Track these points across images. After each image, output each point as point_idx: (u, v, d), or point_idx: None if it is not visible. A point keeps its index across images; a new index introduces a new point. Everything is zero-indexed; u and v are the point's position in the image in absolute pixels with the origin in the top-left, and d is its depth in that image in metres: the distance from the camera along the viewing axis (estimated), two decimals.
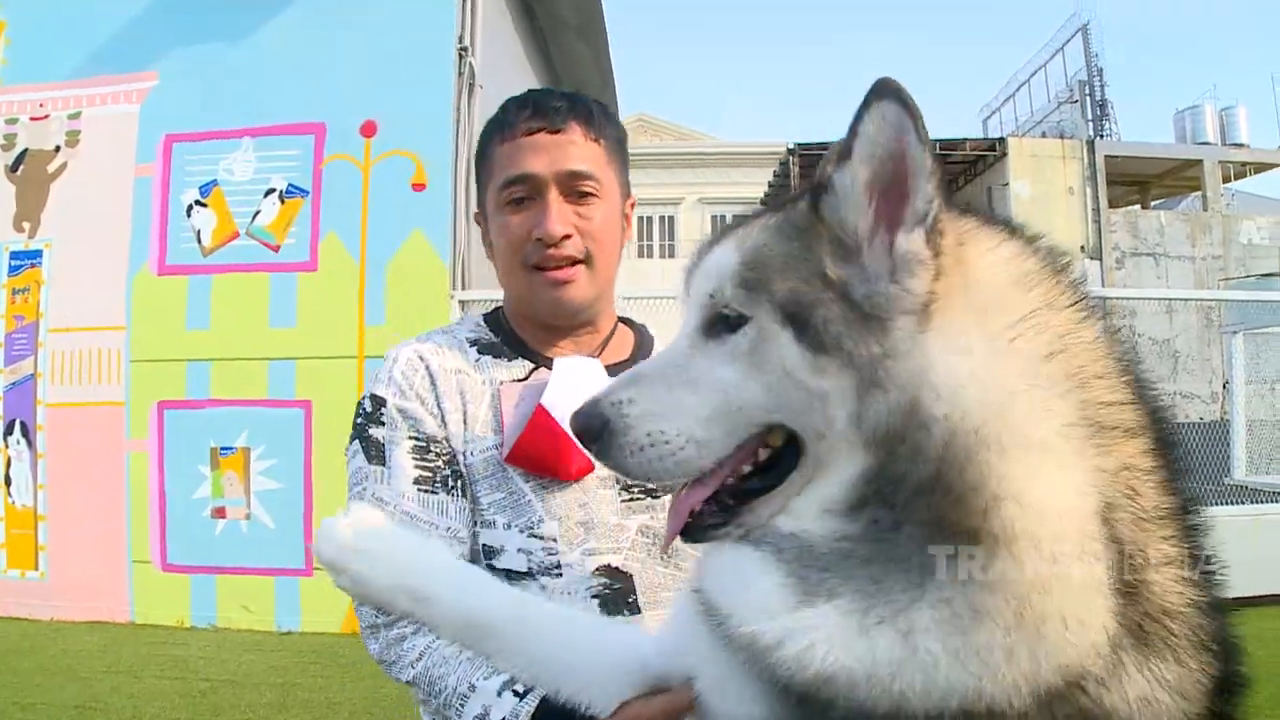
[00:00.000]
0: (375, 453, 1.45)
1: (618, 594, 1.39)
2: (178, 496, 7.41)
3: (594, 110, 1.40)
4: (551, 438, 1.37)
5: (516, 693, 1.27)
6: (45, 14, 8.02)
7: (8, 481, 7.73)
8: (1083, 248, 21.23)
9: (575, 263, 1.38)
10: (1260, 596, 7.11)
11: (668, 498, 1.35)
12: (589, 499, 1.41)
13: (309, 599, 7.14)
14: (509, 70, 9.65)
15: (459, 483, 1.42)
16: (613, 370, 1.45)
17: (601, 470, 1.39)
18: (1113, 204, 22.56)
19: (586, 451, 1.22)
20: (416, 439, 1.43)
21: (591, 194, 1.39)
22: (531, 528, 1.40)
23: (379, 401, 1.48)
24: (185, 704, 5.32)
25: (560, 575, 1.39)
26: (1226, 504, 7.91)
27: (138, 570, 7.44)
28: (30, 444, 7.69)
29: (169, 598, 7.36)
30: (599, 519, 1.41)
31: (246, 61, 7.65)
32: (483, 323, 1.54)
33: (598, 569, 1.39)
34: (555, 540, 1.39)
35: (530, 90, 1.43)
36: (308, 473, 7.24)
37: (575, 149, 1.36)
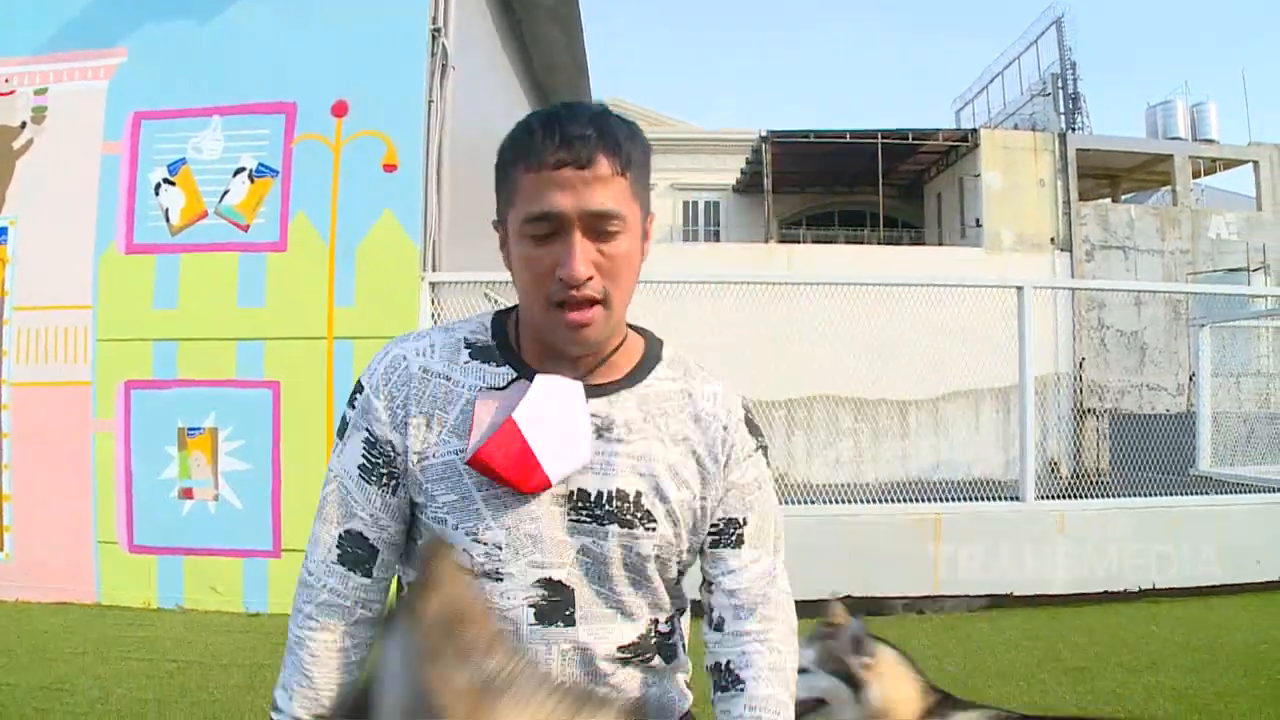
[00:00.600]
0: (343, 428, 1.54)
1: (555, 606, 1.43)
2: (145, 477, 7.35)
3: (621, 137, 1.38)
4: (516, 451, 1.39)
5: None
6: None
7: None
8: (1053, 239, 21.35)
9: (594, 303, 1.38)
10: (1225, 585, 7.25)
11: (614, 526, 1.42)
12: (541, 513, 1.43)
13: (277, 580, 7.12)
14: (482, 52, 9.62)
15: (392, 482, 1.49)
16: (609, 387, 1.48)
17: (558, 488, 1.43)
18: (1083, 197, 22.67)
19: (548, 472, 1.36)
20: (369, 433, 1.50)
21: (616, 231, 1.37)
22: (475, 533, 1.44)
23: (359, 387, 1.54)
24: (153, 685, 5.29)
25: (500, 581, 1.43)
26: (1192, 495, 8.03)
27: (104, 551, 7.39)
28: None
29: (136, 579, 7.31)
30: (547, 534, 1.43)
31: (217, 39, 7.59)
32: (488, 324, 1.54)
33: (539, 580, 1.43)
34: (500, 548, 1.43)
35: (559, 109, 1.40)
36: (276, 454, 7.20)
37: (600, 187, 1.34)
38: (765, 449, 1.57)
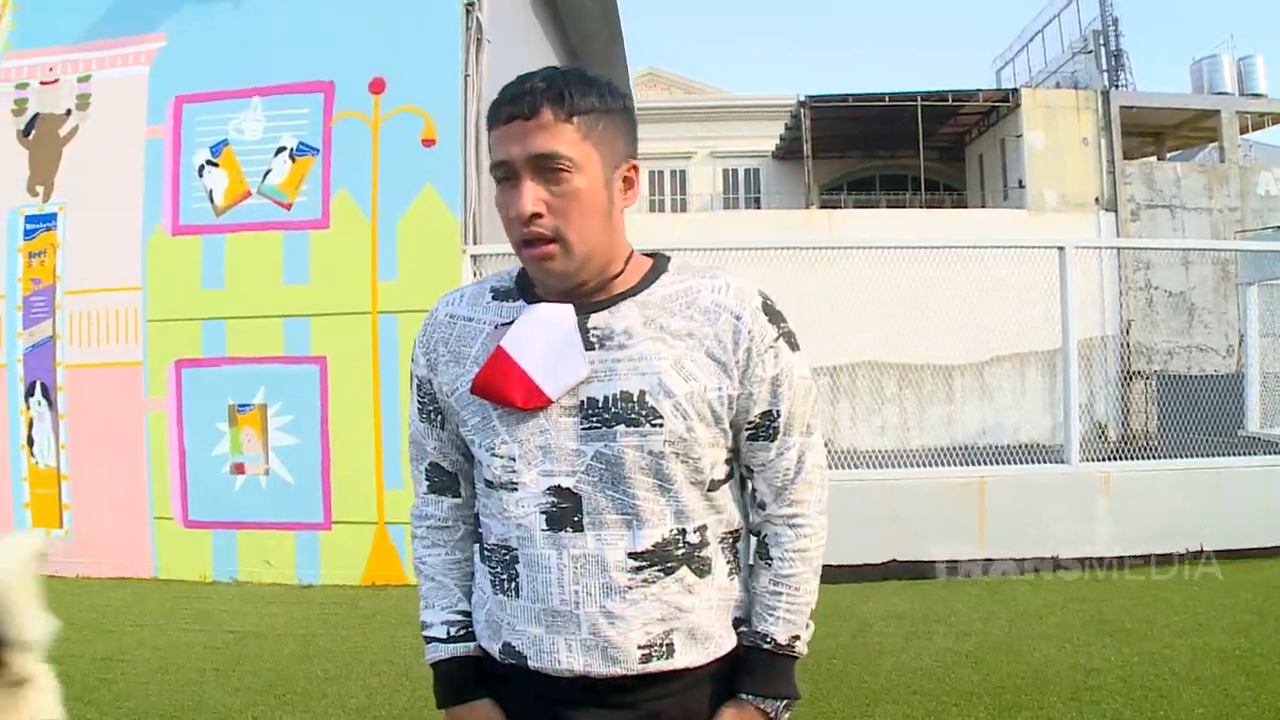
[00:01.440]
0: (410, 381, 1.74)
1: (564, 512, 1.52)
2: (197, 454, 7.51)
3: (569, 88, 1.48)
4: (503, 372, 1.52)
5: (442, 637, 1.70)
6: None
7: (30, 442, 7.83)
8: (1097, 199, 21.07)
9: (548, 240, 1.48)
10: (1273, 547, 7.18)
11: (620, 426, 1.49)
12: (550, 426, 1.53)
13: (329, 553, 7.25)
14: (516, 25, 9.63)
15: (439, 417, 1.68)
16: (609, 301, 1.56)
17: (566, 400, 1.52)
18: (1128, 155, 22.31)
19: (544, 389, 1.49)
20: (417, 379, 1.70)
21: (562, 170, 1.47)
22: (492, 448, 1.57)
23: (415, 343, 1.72)
24: (210, 655, 5.41)
25: (515, 490, 1.55)
26: (1240, 455, 7.92)
27: (160, 527, 7.55)
28: (51, 405, 7.78)
29: (191, 553, 7.47)
30: (557, 444, 1.53)
31: (254, 21, 7.67)
32: (513, 273, 1.69)
33: (549, 489, 1.53)
34: (514, 460, 1.54)
35: (518, 76, 1.53)
36: (324, 427, 7.32)
37: (542, 132, 1.46)
38: (789, 335, 1.60)
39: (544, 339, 1.51)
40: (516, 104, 1.47)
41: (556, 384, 1.51)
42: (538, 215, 1.46)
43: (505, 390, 1.52)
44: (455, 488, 1.73)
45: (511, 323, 1.58)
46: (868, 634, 5.52)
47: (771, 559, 1.63)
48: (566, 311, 1.53)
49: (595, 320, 1.53)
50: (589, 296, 1.55)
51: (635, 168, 1.59)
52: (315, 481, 7.31)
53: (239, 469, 7.45)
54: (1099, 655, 5.02)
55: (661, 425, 1.49)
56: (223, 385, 7.47)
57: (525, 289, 1.63)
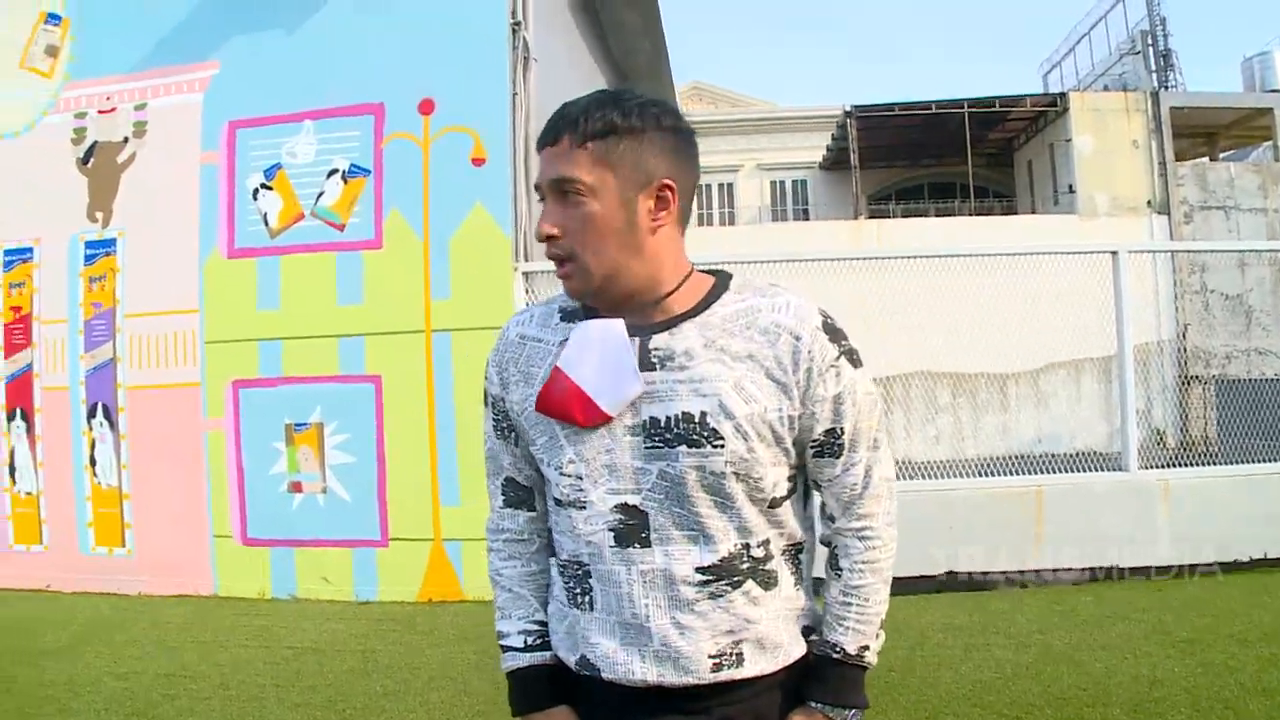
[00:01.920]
0: (484, 398, 1.79)
1: (632, 529, 1.56)
2: (255, 472, 7.61)
3: (586, 115, 1.54)
4: (561, 391, 1.57)
5: (519, 646, 1.73)
6: (109, 9, 8.25)
7: (93, 462, 7.99)
8: (1149, 202, 20.79)
9: (564, 260, 1.56)
10: None
11: (682, 447, 1.52)
12: (615, 444, 1.56)
13: (386, 569, 7.31)
14: (562, 43, 9.70)
15: (513, 434, 1.73)
16: (671, 322, 1.58)
17: (629, 419, 1.55)
18: (1179, 156, 21.98)
19: (600, 406, 1.53)
20: (491, 396, 1.75)
21: (576, 194, 1.53)
22: (560, 466, 1.61)
23: (488, 361, 1.78)
24: (270, 670, 5.48)
25: (584, 509, 1.59)
26: None
27: (219, 545, 7.67)
28: (113, 426, 7.94)
29: (250, 570, 7.57)
30: (622, 463, 1.56)
31: (304, 46, 7.79)
32: None
33: (616, 506, 1.57)
34: (581, 479, 1.59)
35: (565, 105, 1.60)
36: (380, 445, 7.39)
37: (560, 159, 1.53)
38: (850, 352, 1.61)
39: (596, 355, 1.55)
40: (546, 132, 1.56)
41: (612, 399, 1.54)
42: (553, 237, 1.54)
43: (565, 408, 1.56)
44: (531, 501, 1.77)
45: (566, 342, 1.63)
46: (926, 646, 5.47)
47: (841, 570, 1.66)
48: (617, 326, 1.57)
49: (656, 341, 1.55)
50: (647, 316, 1.58)
51: (669, 186, 1.58)
52: (372, 499, 7.38)
53: (296, 487, 7.54)
54: (1162, 666, 4.94)
55: (723, 446, 1.51)
56: (280, 405, 7.58)
57: (590, 309, 1.66)
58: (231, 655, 5.85)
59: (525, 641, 1.73)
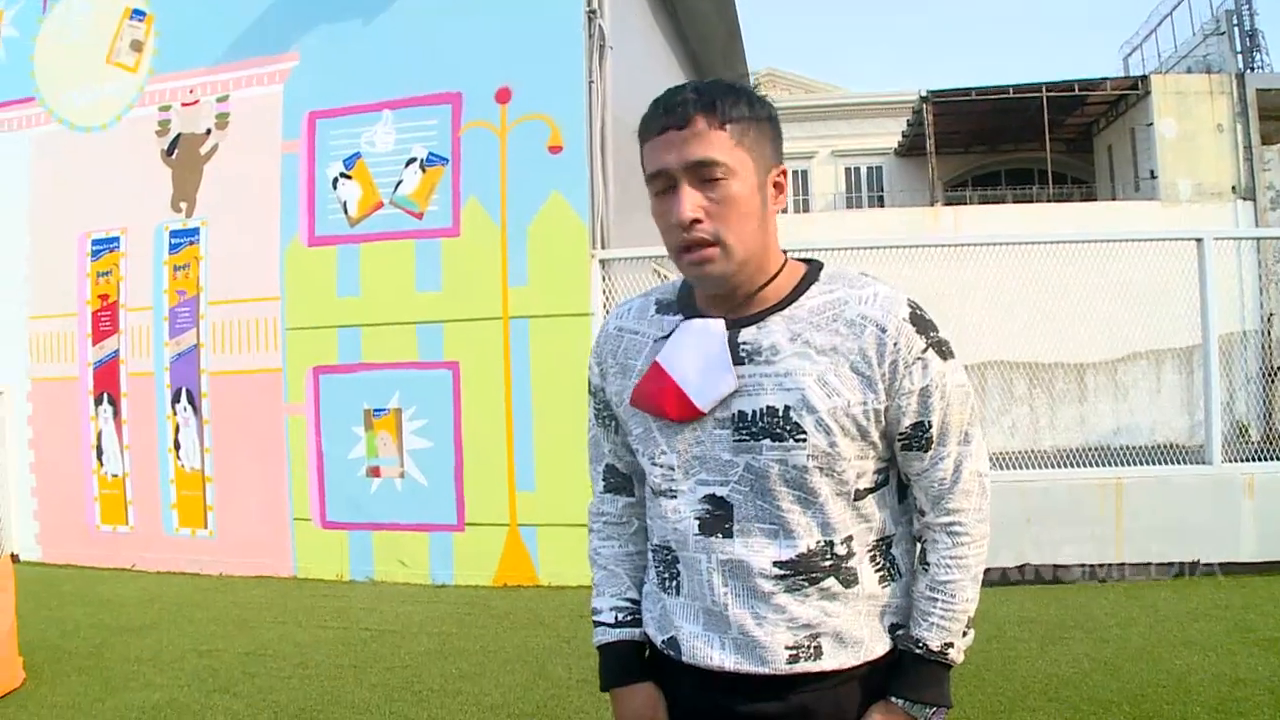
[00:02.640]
0: (588, 387, 1.85)
1: (716, 519, 1.59)
2: (335, 457, 7.75)
3: (719, 98, 1.52)
4: (658, 386, 1.61)
5: (610, 622, 1.79)
6: (191, 4, 8.42)
7: (177, 446, 8.18)
8: (1234, 188, 20.29)
9: (708, 244, 1.52)
10: None
11: (766, 440, 1.53)
12: (705, 437, 1.59)
13: (462, 553, 7.40)
14: (637, 30, 9.69)
15: (613, 423, 1.79)
16: (758, 316, 1.59)
17: (720, 412, 1.57)
18: (1266, 140, 21.38)
19: (695, 402, 1.55)
20: (592, 386, 1.82)
21: (718, 176, 1.51)
22: (653, 457, 1.66)
23: (590, 352, 1.84)
24: (348, 651, 5.57)
25: (675, 498, 1.63)
26: None
27: (299, 528, 7.82)
28: (196, 410, 8.12)
29: (329, 553, 7.72)
30: (711, 455, 1.59)
31: (382, 36, 7.88)
32: (678, 284, 1.75)
33: (704, 497, 1.60)
34: (673, 469, 1.63)
35: (668, 89, 1.59)
36: (458, 431, 7.47)
37: (697, 140, 1.50)
38: (939, 344, 1.59)
39: (696, 354, 1.57)
40: (670, 115, 1.52)
41: (706, 397, 1.56)
42: (697, 221, 1.50)
43: (660, 402, 1.60)
44: (629, 487, 1.83)
45: (669, 336, 1.64)
46: (1002, 639, 5.41)
47: (929, 565, 1.65)
48: (718, 326, 1.58)
49: (745, 335, 1.57)
50: (741, 308, 1.59)
51: (785, 172, 1.62)
52: (449, 484, 7.47)
53: (375, 472, 7.65)
54: (1245, 665, 4.83)
55: (805, 440, 1.52)
56: (359, 390, 7.69)
57: (685, 301, 1.68)
58: (310, 635, 5.97)
59: (616, 618, 1.78)
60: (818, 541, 1.56)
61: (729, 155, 1.51)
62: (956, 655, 1.64)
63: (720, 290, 1.58)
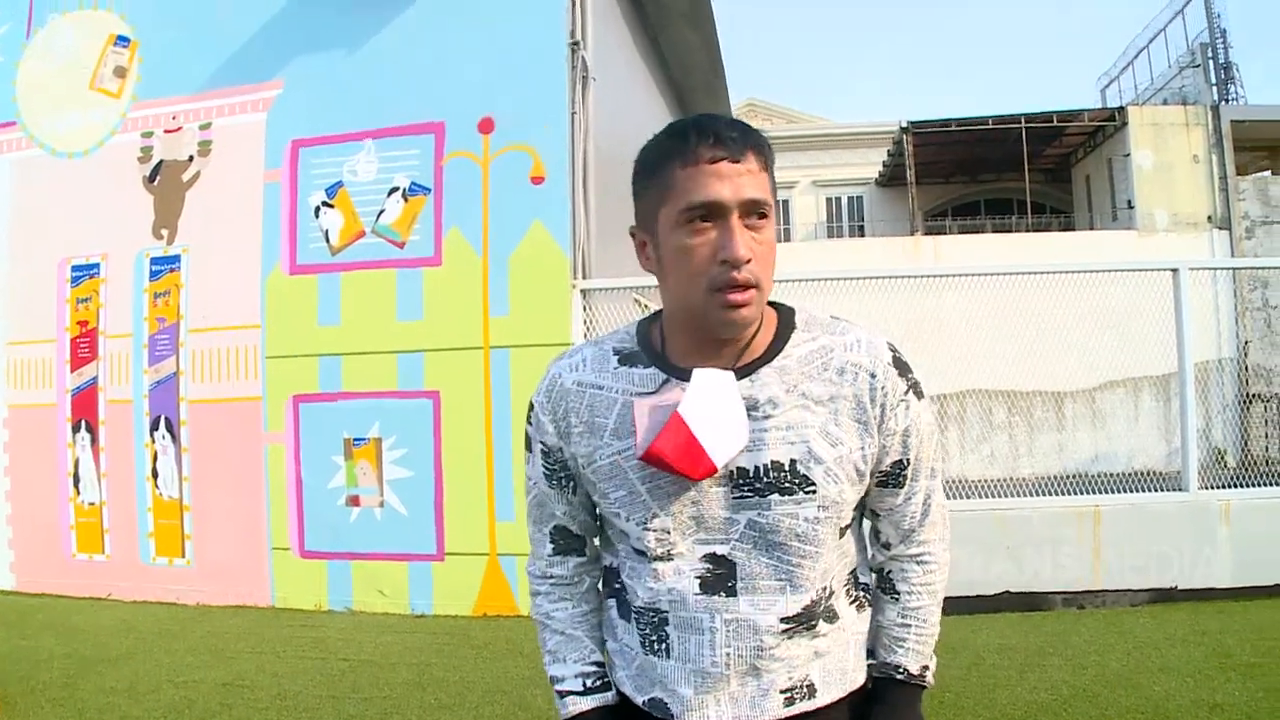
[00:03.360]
0: (527, 442, 1.74)
1: (719, 578, 1.54)
2: (314, 486, 7.72)
3: (763, 141, 1.52)
4: (684, 442, 1.49)
5: (578, 690, 1.69)
6: (175, 31, 8.42)
7: (155, 474, 8.13)
8: (1210, 218, 20.50)
9: (750, 287, 1.47)
10: None
11: (774, 496, 1.50)
12: (700, 496, 1.54)
13: (441, 583, 7.37)
14: (620, 62, 9.76)
15: (571, 483, 1.68)
16: (749, 368, 1.56)
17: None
18: (1241, 171, 21.63)
19: (714, 459, 1.47)
20: (544, 445, 1.68)
21: (766, 219, 1.49)
22: (644, 522, 1.57)
23: (531, 407, 1.72)
24: (326, 682, 5.53)
25: (672, 560, 1.56)
26: None
27: (277, 557, 7.77)
28: (174, 438, 8.08)
29: (307, 583, 7.67)
30: (709, 514, 1.54)
31: (366, 66, 7.91)
32: (633, 332, 1.68)
33: (705, 556, 1.55)
34: (669, 532, 1.56)
35: (701, 117, 1.54)
36: (438, 460, 7.46)
37: (751, 178, 1.47)
38: (916, 385, 1.61)
39: (716, 407, 1.50)
40: (723, 146, 1.46)
41: (722, 455, 1.50)
42: (749, 260, 1.46)
43: (682, 460, 1.50)
44: (582, 547, 1.76)
45: (650, 391, 1.58)
46: (981, 667, 5.42)
47: (899, 594, 1.67)
48: (730, 379, 1.53)
49: (740, 389, 1.53)
50: (727, 360, 1.56)
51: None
52: (428, 513, 7.45)
53: (354, 501, 7.62)
54: (1223, 690, 4.86)
55: (815, 492, 1.51)
56: (339, 419, 7.68)
57: (650, 352, 1.62)
58: (288, 666, 5.92)
59: (585, 684, 1.70)
60: (821, 589, 1.57)
61: (770, 199, 1.50)
62: (931, 678, 1.68)
63: (736, 335, 1.54)
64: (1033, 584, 6.88)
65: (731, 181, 1.45)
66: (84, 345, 8.45)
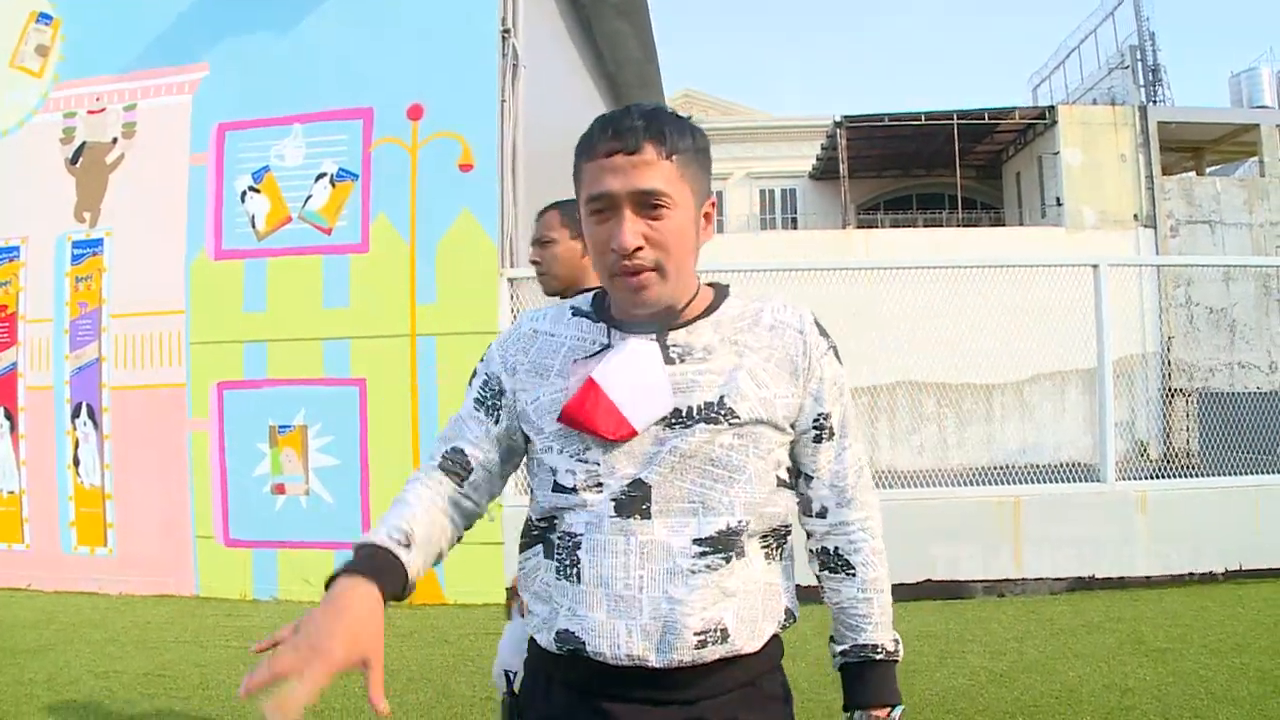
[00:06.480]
0: (472, 376, 1.79)
1: (634, 500, 1.57)
2: (239, 474, 7.63)
3: (668, 128, 1.56)
4: (593, 404, 1.57)
5: (379, 538, 1.55)
6: (99, 10, 8.26)
7: (76, 462, 7.98)
8: (1136, 216, 20.91)
9: (646, 269, 1.55)
10: None
11: (699, 425, 1.56)
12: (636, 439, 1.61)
13: None
14: (552, 50, 9.73)
15: (497, 413, 1.72)
16: (687, 321, 1.64)
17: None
18: (1166, 171, 22.10)
19: (632, 422, 1.54)
20: (486, 374, 1.75)
21: (662, 207, 1.54)
22: (579, 455, 1.62)
23: (488, 347, 1.81)
24: (249, 671, 5.47)
25: (600, 490, 1.59)
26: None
27: (202, 545, 7.67)
28: (96, 425, 7.94)
29: (232, 572, 7.58)
30: (638, 448, 1.59)
31: (294, 49, 7.82)
32: (590, 297, 1.77)
33: (626, 481, 1.58)
34: (599, 464, 1.60)
35: (614, 111, 1.61)
36: (364, 448, 7.41)
37: (646, 169, 1.53)
38: (835, 348, 1.71)
39: (634, 373, 1.58)
40: (619, 139, 1.54)
41: (642, 418, 1.57)
42: (639, 249, 1.53)
43: (593, 422, 1.57)
44: (461, 477, 1.71)
45: (592, 342, 1.66)
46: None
47: (854, 565, 1.73)
48: (654, 349, 1.60)
49: (674, 338, 1.61)
50: (663, 319, 1.63)
51: (714, 203, 1.68)
52: (355, 501, 7.40)
53: (280, 489, 7.55)
54: (1134, 675, 4.99)
55: (738, 422, 1.57)
56: (264, 406, 7.59)
57: (602, 309, 1.71)
58: (212, 655, 5.86)
59: (389, 535, 1.56)
60: (734, 520, 1.58)
61: (673, 187, 1.55)
62: (901, 649, 1.74)
63: (646, 311, 1.60)
64: (954, 573, 7.00)
65: (623, 174, 1.53)
66: (3, 330, 8.27)
